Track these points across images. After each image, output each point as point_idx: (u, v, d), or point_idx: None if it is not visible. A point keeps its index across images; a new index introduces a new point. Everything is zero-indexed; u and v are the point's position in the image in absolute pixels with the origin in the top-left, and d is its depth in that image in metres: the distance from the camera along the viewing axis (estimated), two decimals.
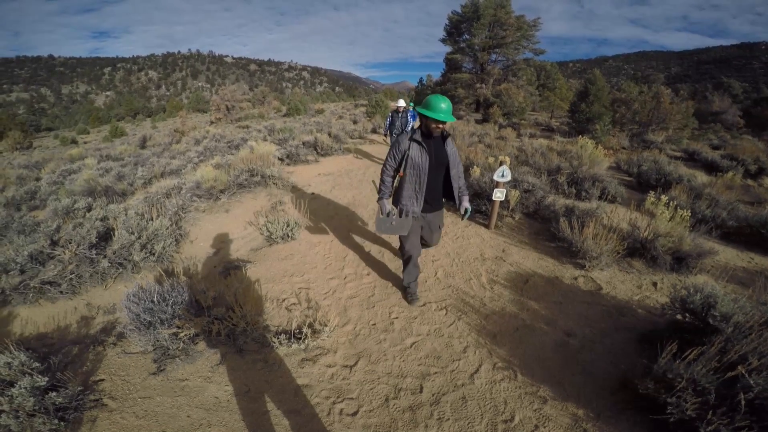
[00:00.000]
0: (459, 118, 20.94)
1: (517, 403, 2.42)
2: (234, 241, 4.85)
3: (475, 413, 2.34)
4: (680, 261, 3.96)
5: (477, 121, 19.15)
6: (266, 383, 2.56)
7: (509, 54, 24.91)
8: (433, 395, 2.48)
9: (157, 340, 2.72)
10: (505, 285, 3.75)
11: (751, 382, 2.01)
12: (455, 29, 25.96)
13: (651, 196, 4.91)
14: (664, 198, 4.58)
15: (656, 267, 3.98)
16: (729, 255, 4.58)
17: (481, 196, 5.49)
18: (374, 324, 3.19)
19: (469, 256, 4.35)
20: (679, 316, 3.00)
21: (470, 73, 26.20)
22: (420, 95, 30.49)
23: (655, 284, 3.76)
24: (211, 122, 26.60)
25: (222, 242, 4.81)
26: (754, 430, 1.90)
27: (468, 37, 25.08)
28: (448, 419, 2.30)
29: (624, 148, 12.12)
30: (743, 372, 2.05)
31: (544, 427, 2.24)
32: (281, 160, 8.71)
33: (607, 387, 2.53)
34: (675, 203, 4.58)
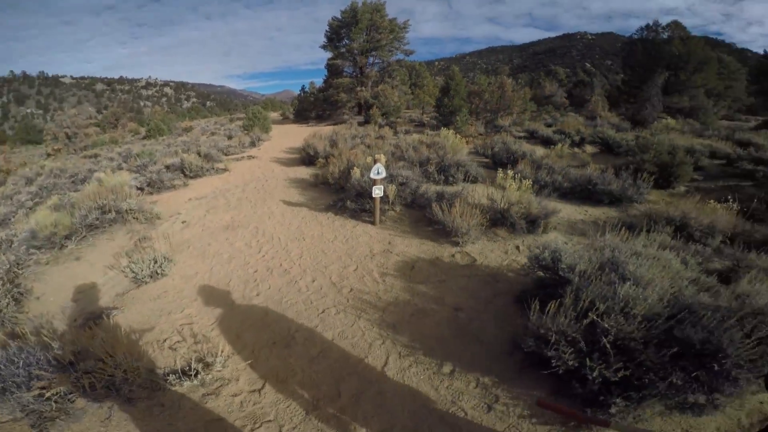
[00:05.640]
0: (343, 122, 21.23)
1: (429, 384, 2.48)
2: (92, 290, 4.13)
3: (396, 404, 2.34)
4: (533, 223, 4.60)
5: (360, 124, 19.67)
6: (170, 426, 2.28)
7: (384, 56, 26.15)
8: (351, 396, 2.42)
9: (25, 405, 2.32)
10: (395, 275, 3.87)
11: (606, 325, 2.14)
12: (336, 35, 26.17)
13: (500, 173, 5.62)
14: (510, 172, 5.29)
15: (516, 232, 4.55)
16: (569, 211, 5.52)
17: (363, 195, 5.58)
18: (274, 342, 3.00)
19: (360, 254, 4.38)
20: (540, 273, 3.29)
21: (351, 77, 26.71)
22: (303, 102, 29.89)
23: (518, 247, 4.29)
24: (48, 155, 21.75)
25: (79, 293, 4.09)
26: (629, 370, 1.99)
27: (348, 41, 25.53)
28: (374, 416, 2.26)
29: (481, 134, 13.81)
30: (595, 317, 2.17)
31: (460, 401, 2.33)
32: (141, 189, 7.55)
33: (501, 351, 2.74)
34: (520, 175, 5.32)
